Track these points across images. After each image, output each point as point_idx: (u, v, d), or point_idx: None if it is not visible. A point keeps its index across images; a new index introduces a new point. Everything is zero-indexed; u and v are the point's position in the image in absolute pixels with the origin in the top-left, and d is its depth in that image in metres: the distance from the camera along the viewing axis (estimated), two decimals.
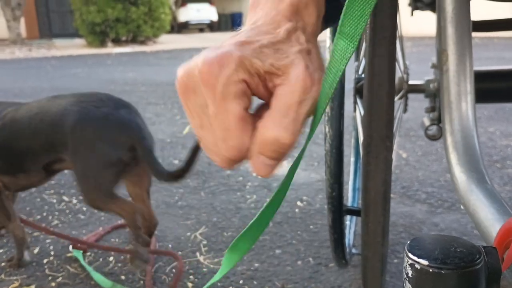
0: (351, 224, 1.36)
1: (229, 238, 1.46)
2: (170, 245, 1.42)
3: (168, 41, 15.77)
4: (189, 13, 19.78)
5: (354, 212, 1.15)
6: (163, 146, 2.51)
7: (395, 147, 1.14)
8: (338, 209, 1.03)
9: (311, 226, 1.53)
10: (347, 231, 1.28)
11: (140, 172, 1.27)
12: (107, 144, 1.17)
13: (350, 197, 1.43)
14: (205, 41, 17.13)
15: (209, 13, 19.93)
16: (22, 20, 16.22)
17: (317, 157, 2.26)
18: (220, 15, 20.84)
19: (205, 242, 1.44)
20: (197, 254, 1.37)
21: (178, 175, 1.19)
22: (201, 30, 20.80)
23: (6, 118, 1.25)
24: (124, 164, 1.18)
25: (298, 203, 1.72)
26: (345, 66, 0.32)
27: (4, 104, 1.32)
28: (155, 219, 1.34)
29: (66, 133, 1.16)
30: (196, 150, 1.15)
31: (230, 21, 21.28)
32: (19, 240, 1.34)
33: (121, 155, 1.17)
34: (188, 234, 1.50)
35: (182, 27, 20.21)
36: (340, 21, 0.33)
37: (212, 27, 20.50)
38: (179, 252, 1.38)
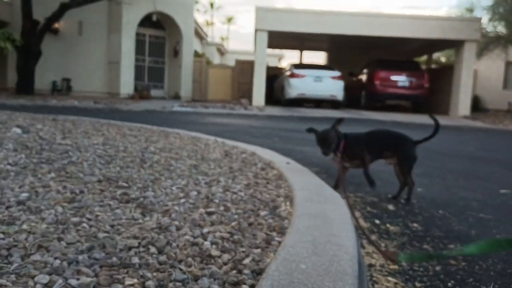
0: None
1: None
2: None
3: None
4: None
5: None
6: None
7: None
8: None
9: None
10: None
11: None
12: (412, 151, 3.02)
13: None
14: None
15: None
16: None
17: None
18: None
19: None
20: None
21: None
22: None
23: (366, 133, 3.17)
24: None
25: None
26: None
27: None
28: (410, 183, 3.04)
29: (396, 142, 3.07)
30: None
31: None
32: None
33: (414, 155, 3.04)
34: None
35: None
36: None
37: None
38: None
